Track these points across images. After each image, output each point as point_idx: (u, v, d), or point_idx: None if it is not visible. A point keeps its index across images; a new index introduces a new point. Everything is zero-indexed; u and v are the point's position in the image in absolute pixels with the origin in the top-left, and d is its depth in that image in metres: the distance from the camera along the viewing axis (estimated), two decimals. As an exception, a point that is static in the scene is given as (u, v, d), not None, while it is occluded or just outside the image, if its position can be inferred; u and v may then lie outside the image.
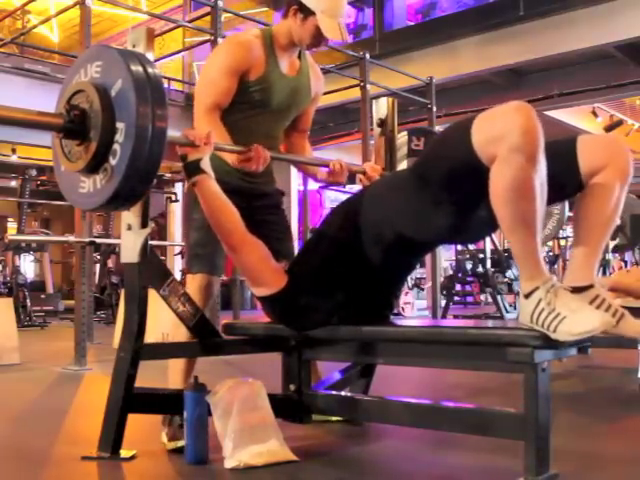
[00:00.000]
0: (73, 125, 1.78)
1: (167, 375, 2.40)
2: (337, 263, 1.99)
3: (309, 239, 2.21)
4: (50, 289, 11.07)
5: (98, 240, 5.11)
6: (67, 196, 1.97)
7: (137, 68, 1.74)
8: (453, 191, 1.71)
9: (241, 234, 2.02)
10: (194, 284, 2.27)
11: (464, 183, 1.68)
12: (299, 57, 2.44)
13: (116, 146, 1.73)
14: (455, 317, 8.31)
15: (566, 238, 12.29)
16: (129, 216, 2.00)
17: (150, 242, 2.02)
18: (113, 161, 1.73)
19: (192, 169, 2.00)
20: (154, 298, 2.07)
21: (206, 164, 2.01)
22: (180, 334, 2.19)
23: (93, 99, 1.77)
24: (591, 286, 1.74)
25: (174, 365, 2.27)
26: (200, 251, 2.28)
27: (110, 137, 1.74)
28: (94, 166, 1.78)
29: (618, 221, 4.63)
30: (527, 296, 1.58)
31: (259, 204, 2.36)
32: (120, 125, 1.73)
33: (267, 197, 2.46)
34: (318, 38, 2.30)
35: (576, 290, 1.69)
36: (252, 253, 2.02)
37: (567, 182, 1.79)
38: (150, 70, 1.76)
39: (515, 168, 1.50)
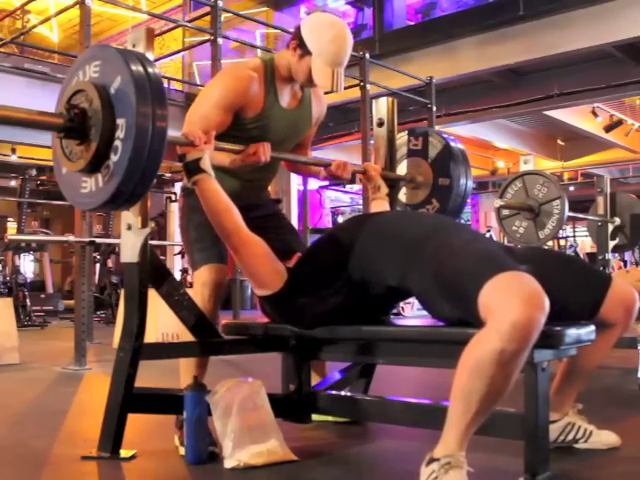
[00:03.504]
0: (73, 124, 1.78)
1: (167, 375, 2.40)
2: (334, 278, 1.97)
3: (315, 243, 2.18)
4: (50, 289, 11.07)
5: (98, 240, 5.10)
6: (67, 196, 1.96)
7: (136, 65, 1.73)
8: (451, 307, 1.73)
9: (242, 234, 2.01)
10: (200, 280, 2.23)
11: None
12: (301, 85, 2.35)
13: (117, 142, 1.72)
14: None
15: (566, 238, 12.30)
16: (129, 216, 1.99)
17: (150, 242, 2.02)
18: (114, 158, 1.73)
19: (192, 168, 1.99)
20: (154, 298, 2.07)
21: (206, 163, 2.00)
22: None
23: (93, 97, 1.77)
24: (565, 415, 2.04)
25: (185, 366, 2.23)
26: (201, 246, 2.25)
27: (111, 134, 1.73)
28: (95, 165, 1.77)
29: (617, 221, 4.65)
30: (427, 463, 1.54)
31: (256, 215, 2.32)
32: (120, 121, 1.72)
33: (261, 207, 2.44)
34: (311, 80, 2.23)
35: (551, 422, 1.86)
36: (253, 253, 2.01)
37: (582, 312, 1.89)
38: (149, 67, 1.76)
39: (489, 351, 1.44)
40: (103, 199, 1.79)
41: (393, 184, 2.76)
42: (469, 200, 3.48)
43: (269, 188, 2.59)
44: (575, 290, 1.89)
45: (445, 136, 2.98)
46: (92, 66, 1.83)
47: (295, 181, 11.89)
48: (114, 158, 1.73)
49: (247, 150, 2.15)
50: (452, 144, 2.93)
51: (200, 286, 2.22)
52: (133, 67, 1.73)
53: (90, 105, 1.77)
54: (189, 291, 2.19)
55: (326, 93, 2.49)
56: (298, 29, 2.23)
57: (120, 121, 1.72)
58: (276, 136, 2.29)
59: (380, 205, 2.54)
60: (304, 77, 2.24)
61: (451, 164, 2.89)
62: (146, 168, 1.72)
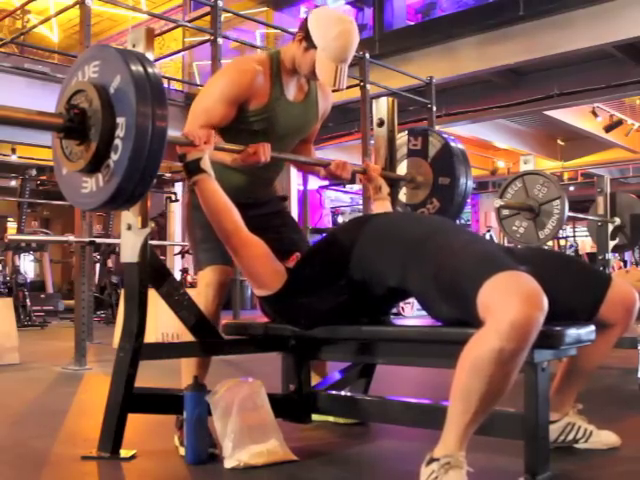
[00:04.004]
0: (73, 124, 1.78)
1: (167, 375, 2.40)
2: (334, 278, 1.97)
3: (316, 243, 2.18)
4: (50, 289, 11.07)
5: (98, 240, 5.10)
6: (67, 196, 1.96)
7: (135, 65, 1.73)
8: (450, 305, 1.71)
9: (241, 235, 2.01)
10: (205, 280, 2.23)
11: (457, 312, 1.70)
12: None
13: (117, 142, 1.72)
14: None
15: (566, 238, 12.30)
16: (129, 216, 1.99)
17: (150, 242, 2.02)
18: (114, 157, 1.72)
19: (192, 168, 1.99)
20: (154, 298, 2.07)
21: (206, 163, 1.99)
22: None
23: (92, 97, 1.76)
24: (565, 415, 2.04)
25: (186, 366, 2.23)
26: (207, 246, 2.24)
27: (110, 133, 1.73)
28: (95, 165, 1.77)
29: (617, 221, 4.66)
30: (427, 463, 1.54)
31: (261, 212, 2.32)
32: (120, 120, 1.72)
33: (269, 204, 2.43)
34: (315, 73, 2.22)
35: (551, 422, 1.87)
36: (252, 254, 2.01)
37: (582, 312, 1.89)
38: (149, 67, 1.75)
39: (488, 350, 1.44)
40: (103, 199, 1.79)
41: (393, 184, 2.76)
42: (469, 200, 3.48)
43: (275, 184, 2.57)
44: (575, 290, 1.89)
45: (445, 136, 2.97)
46: (91, 66, 1.83)
47: (295, 181, 11.88)
48: (114, 158, 1.73)
49: (247, 150, 2.14)
50: (452, 144, 2.93)
51: (204, 287, 2.22)
52: (133, 67, 1.72)
53: (90, 105, 1.77)
54: (192, 291, 2.19)
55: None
56: (305, 21, 2.23)
57: (120, 120, 1.72)
58: (282, 129, 2.29)
59: (382, 205, 2.53)
60: (307, 70, 2.24)
61: (451, 164, 2.89)
62: (146, 168, 1.72)
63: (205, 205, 2.01)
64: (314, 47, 2.19)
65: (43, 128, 1.87)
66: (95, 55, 1.85)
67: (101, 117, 1.74)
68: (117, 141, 1.72)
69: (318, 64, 2.19)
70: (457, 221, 2.21)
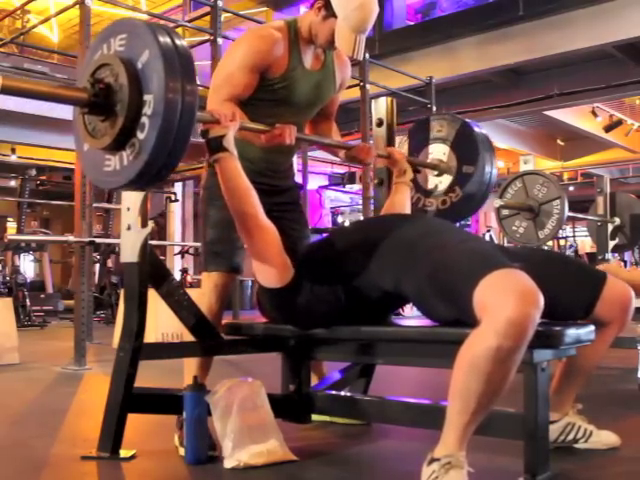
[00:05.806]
0: (98, 99, 1.72)
1: (167, 375, 2.40)
2: (331, 281, 1.96)
3: (316, 243, 2.18)
4: (50, 289, 11.07)
5: (98, 240, 5.10)
6: (89, 174, 1.92)
7: (165, 39, 1.67)
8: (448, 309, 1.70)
9: (258, 218, 1.95)
10: (209, 283, 2.23)
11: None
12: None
13: (144, 119, 1.66)
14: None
15: (566, 238, 12.30)
16: (129, 216, 1.99)
17: (150, 242, 2.01)
18: (141, 135, 1.67)
19: (215, 146, 1.93)
20: (154, 298, 2.06)
21: (229, 142, 1.94)
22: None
23: (118, 72, 1.71)
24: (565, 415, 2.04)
25: (188, 366, 2.23)
26: (216, 249, 2.23)
27: (137, 110, 1.67)
28: (121, 142, 1.72)
29: (617, 221, 4.65)
30: (429, 463, 1.54)
31: (279, 201, 2.32)
32: (148, 97, 1.66)
33: (287, 193, 2.42)
34: (332, 42, 2.21)
35: (551, 422, 1.86)
36: (266, 240, 1.96)
37: (578, 310, 1.91)
38: (177, 41, 1.69)
39: (485, 348, 1.44)
40: (128, 178, 1.73)
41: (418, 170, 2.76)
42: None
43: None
44: (571, 288, 1.90)
45: (468, 121, 2.90)
46: (117, 39, 1.77)
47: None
48: (141, 135, 1.67)
49: (273, 131, 2.12)
50: (476, 130, 2.87)
51: (209, 289, 2.22)
52: (162, 40, 1.67)
53: (116, 80, 1.72)
54: (195, 291, 2.18)
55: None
56: None
57: (147, 97, 1.66)
58: (301, 97, 2.28)
59: (401, 190, 2.50)
60: (324, 39, 2.22)
61: (476, 152, 2.82)
62: (174, 146, 1.67)
63: (225, 185, 1.95)
64: (334, 16, 2.17)
65: (67, 102, 1.81)
66: (121, 28, 1.78)
67: (128, 92, 1.68)
68: (144, 118, 1.66)
69: (338, 34, 2.17)
70: (449, 223, 2.19)
